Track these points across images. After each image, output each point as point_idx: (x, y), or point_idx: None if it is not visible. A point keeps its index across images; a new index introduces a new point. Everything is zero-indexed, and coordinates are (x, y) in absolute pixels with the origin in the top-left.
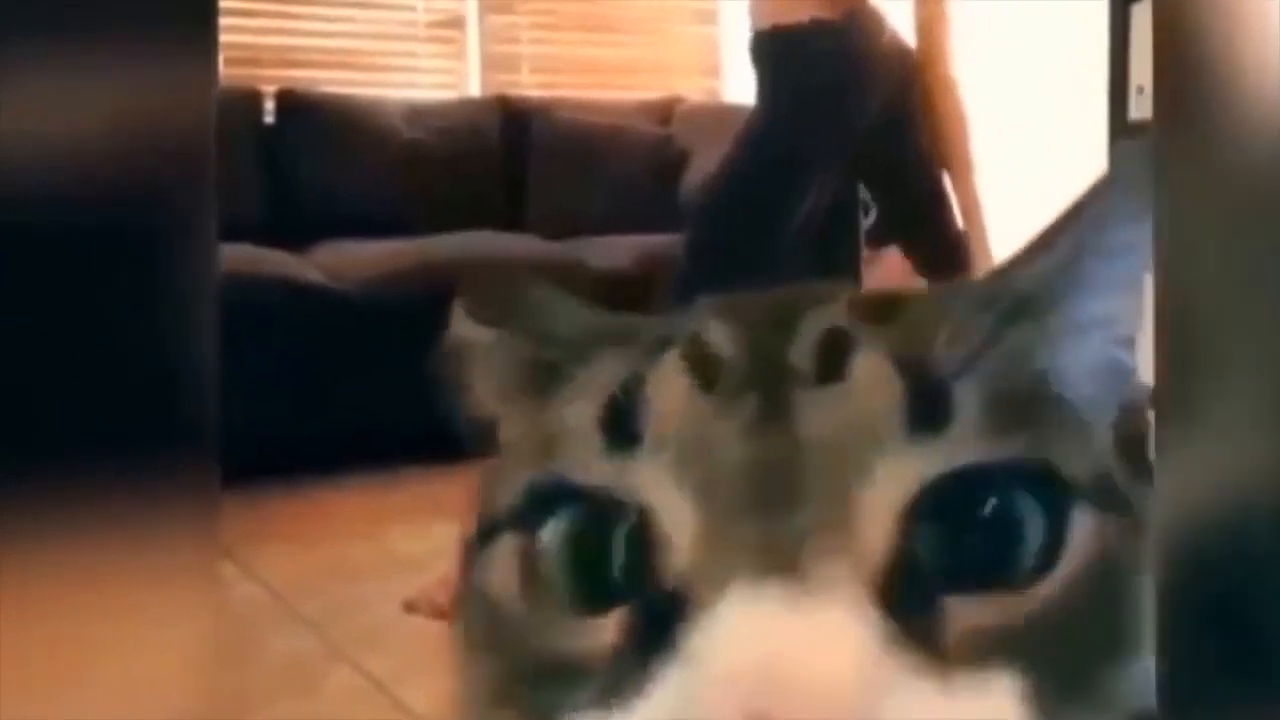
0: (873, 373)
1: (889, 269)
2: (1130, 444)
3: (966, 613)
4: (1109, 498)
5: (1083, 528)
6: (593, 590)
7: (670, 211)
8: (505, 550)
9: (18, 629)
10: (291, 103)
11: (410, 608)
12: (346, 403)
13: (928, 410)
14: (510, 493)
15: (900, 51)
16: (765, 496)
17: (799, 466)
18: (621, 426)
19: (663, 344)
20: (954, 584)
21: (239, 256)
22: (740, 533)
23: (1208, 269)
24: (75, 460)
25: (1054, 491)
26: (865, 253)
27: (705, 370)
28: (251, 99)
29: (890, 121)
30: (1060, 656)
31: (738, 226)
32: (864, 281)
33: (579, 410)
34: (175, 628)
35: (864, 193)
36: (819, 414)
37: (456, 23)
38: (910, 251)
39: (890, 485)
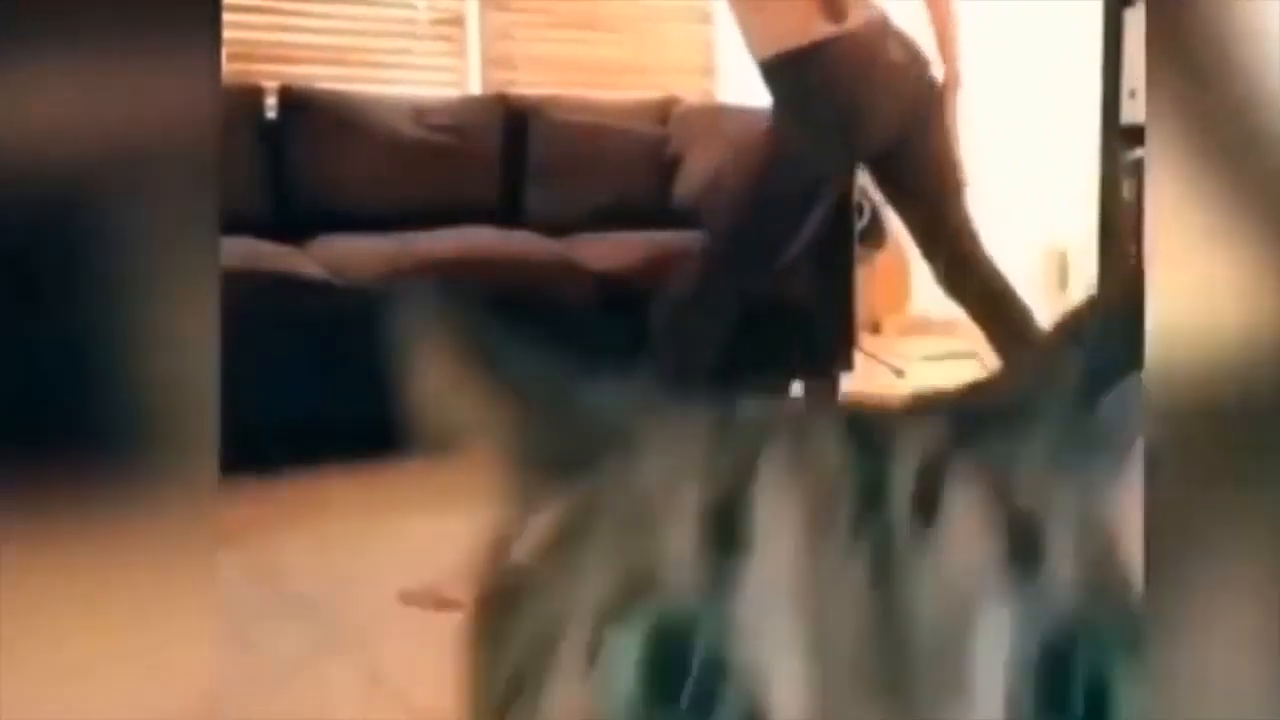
0: (970, 514)
1: (882, 269)
2: None
3: None
4: None
5: None
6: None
7: (666, 210)
8: (568, 691)
9: (18, 620)
10: (293, 99)
11: (408, 599)
12: (346, 396)
13: (1022, 553)
14: (587, 591)
15: (910, 57)
16: (882, 676)
17: (908, 629)
18: (723, 537)
19: (746, 439)
20: None
21: (240, 251)
22: (857, 703)
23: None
24: (75, 453)
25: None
26: (859, 251)
27: (820, 497)
28: (253, 94)
29: (905, 128)
30: None
31: (759, 242)
32: (857, 280)
33: (672, 513)
34: (172, 616)
35: (858, 194)
36: (923, 569)
37: (457, 21)
38: (926, 255)
39: (995, 638)
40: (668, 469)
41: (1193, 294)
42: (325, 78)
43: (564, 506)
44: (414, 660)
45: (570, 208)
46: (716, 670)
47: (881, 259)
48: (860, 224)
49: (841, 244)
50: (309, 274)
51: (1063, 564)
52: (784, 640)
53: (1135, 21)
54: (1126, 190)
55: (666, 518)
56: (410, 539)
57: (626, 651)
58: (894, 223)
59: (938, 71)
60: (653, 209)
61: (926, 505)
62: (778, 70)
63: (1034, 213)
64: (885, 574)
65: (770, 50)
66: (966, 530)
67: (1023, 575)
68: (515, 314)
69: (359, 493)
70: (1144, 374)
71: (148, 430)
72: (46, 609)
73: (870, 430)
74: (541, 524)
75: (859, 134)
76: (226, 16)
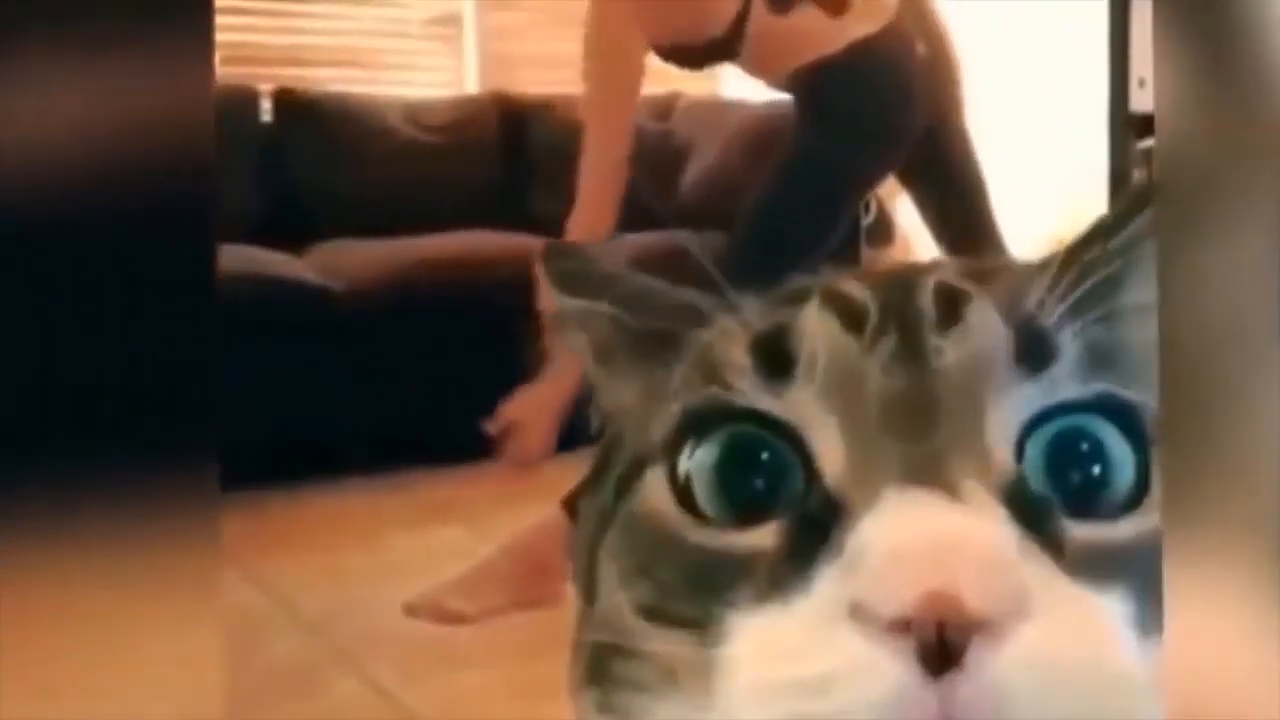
0: (985, 320)
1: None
2: None
3: (1076, 531)
4: None
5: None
6: (746, 503)
7: (670, 208)
8: (656, 479)
9: (20, 635)
10: (288, 101)
11: (411, 611)
12: (345, 404)
13: (1032, 352)
14: (659, 429)
15: (940, 54)
16: (906, 421)
17: (932, 396)
18: (776, 358)
19: (799, 297)
20: (1061, 507)
21: (236, 256)
22: (887, 450)
23: (1202, 279)
24: (74, 465)
25: (1141, 431)
26: (865, 251)
27: (850, 314)
28: (248, 98)
29: (932, 124)
30: (1155, 586)
31: (785, 247)
32: None
33: (732, 347)
34: (177, 633)
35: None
36: (946, 352)
37: (454, 20)
38: (950, 252)
39: (1007, 413)
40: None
41: (1204, 282)
42: (323, 80)
43: (648, 371)
44: (418, 673)
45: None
46: (767, 455)
47: (888, 257)
48: (866, 222)
49: (848, 243)
50: (306, 279)
51: (1071, 364)
52: (822, 414)
53: (1142, 9)
54: (1135, 179)
55: (729, 348)
56: (413, 550)
57: (704, 457)
58: (901, 221)
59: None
60: (656, 207)
61: (950, 304)
62: (810, 75)
63: (1042, 202)
64: (913, 355)
65: (793, 64)
66: (985, 321)
67: (1029, 365)
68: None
69: (360, 505)
70: (1160, 350)
71: (144, 444)
72: (45, 624)
73: (902, 271)
74: (632, 388)
75: (892, 139)
76: (220, 19)
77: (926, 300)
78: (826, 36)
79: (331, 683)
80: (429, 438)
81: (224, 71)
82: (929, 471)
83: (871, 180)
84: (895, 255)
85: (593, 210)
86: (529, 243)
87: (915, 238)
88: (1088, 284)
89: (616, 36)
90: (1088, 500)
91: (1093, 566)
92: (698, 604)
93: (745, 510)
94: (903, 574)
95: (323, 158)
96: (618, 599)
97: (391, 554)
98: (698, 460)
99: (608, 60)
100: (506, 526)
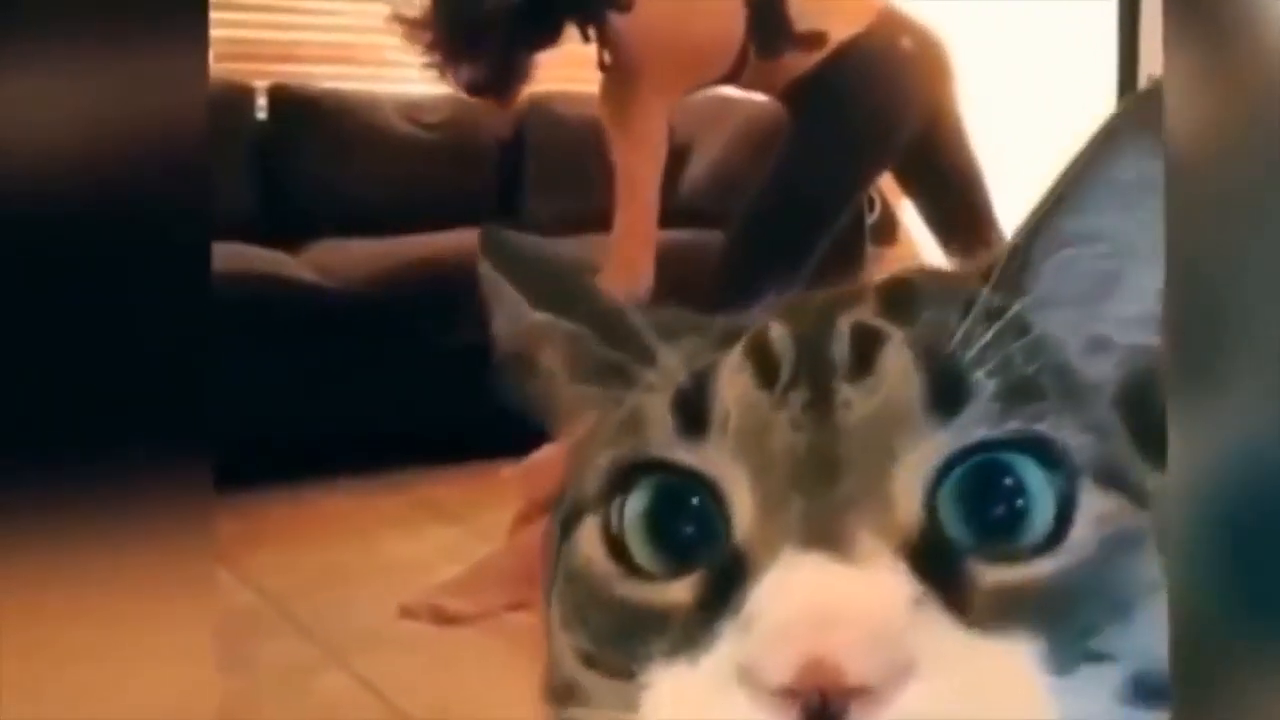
0: (898, 366)
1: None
2: (1132, 410)
3: (988, 575)
4: (1114, 478)
5: (1090, 505)
6: (670, 553)
7: (671, 207)
8: (590, 529)
9: (14, 635)
10: (284, 98)
11: (408, 613)
12: (339, 404)
13: (945, 396)
14: (593, 479)
15: (921, 44)
16: (811, 477)
17: (839, 449)
18: (692, 414)
19: (727, 339)
20: (975, 551)
21: (230, 255)
22: (790, 506)
23: (1216, 241)
24: (67, 465)
25: (1059, 467)
26: (869, 249)
27: (764, 367)
28: (243, 94)
29: (926, 121)
30: (1070, 622)
31: (785, 247)
32: (868, 277)
33: (655, 400)
34: (170, 631)
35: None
36: (855, 404)
37: None
38: (948, 251)
39: (915, 462)
40: (660, 374)
41: (1212, 284)
42: (319, 76)
43: (596, 415)
44: (412, 674)
45: (571, 206)
46: (696, 501)
47: (892, 255)
48: (871, 219)
49: (852, 240)
50: (301, 278)
51: (987, 403)
52: (735, 469)
53: (1152, 7)
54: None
55: (652, 410)
56: (408, 552)
57: (636, 503)
58: (905, 218)
59: (949, 55)
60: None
61: (865, 349)
62: (796, 91)
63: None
64: (822, 409)
65: (785, 80)
66: (898, 367)
67: (942, 410)
68: None
69: (353, 505)
70: (1166, 356)
71: (137, 442)
72: (39, 624)
73: (834, 308)
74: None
75: (887, 137)
76: (215, 15)
77: (841, 347)
78: (813, 56)
79: (323, 683)
80: (423, 437)
81: (219, 68)
82: (829, 529)
83: (865, 179)
84: (899, 253)
85: (629, 271)
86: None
87: (919, 235)
88: (1004, 319)
89: (642, 112)
90: (1006, 536)
91: (1004, 610)
92: (625, 655)
93: (677, 558)
94: (787, 642)
95: (319, 155)
96: (562, 641)
97: (384, 554)
98: (630, 508)
99: (635, 135)
100: (502, 527)
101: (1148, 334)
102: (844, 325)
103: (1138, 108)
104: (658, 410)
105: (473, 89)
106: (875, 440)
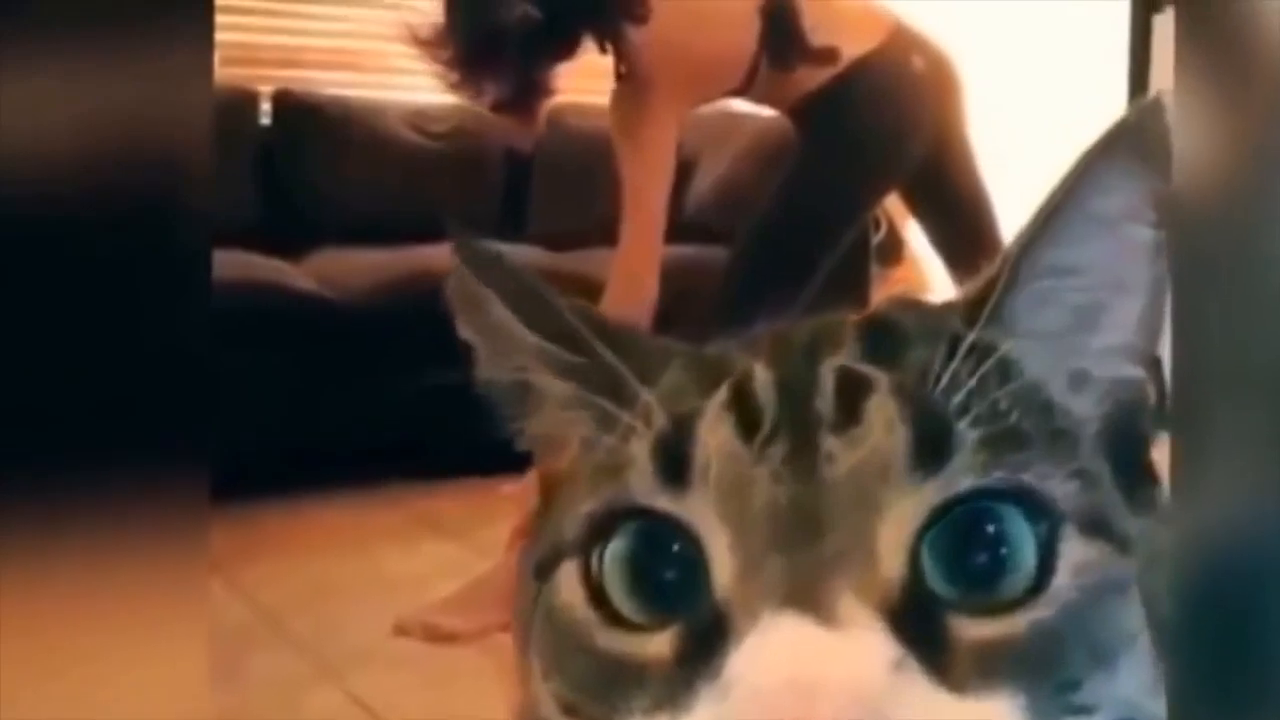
0: (883, 419)
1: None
2: (1116, 448)
3: (969, 631)
4: (1098, 526)
5: (1072, 554)
6: (650, 601)
7: (676, 222)
8: (570, 574)
9: (9, 642)
10: (289, 104)
11: (402, 630)
12: (339, 415)
13: (931, 448)
14: (573, 525)
15: (931, 64)
16: (792, 534)
17: (822, 504)
18: (673, 463)
19: (710, 376)
20: (957, 605)
21: (231, 262)
22: (771, 565)
23: (1220, 293)
24: (63, 474)
25: (1043, 516)
26: (875, 269)
27: (746, 418)
28: (247, 100)
29: (935, 141)
30: (1052, 676)
31: (790, 264)
32: (873, 297)
33: (636, 445)
34: (164, 643)
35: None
36: (839, 456)
37: None
38: (955, 273)
39: (899, 517)
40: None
41: (1218, 301)
42: (324, 83)
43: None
44: (404, 692)
45: (576, 219)
46: (677, 548)
47: (898, 275)
48: (876, 239)
49: (858, 260)
50: (302, 288)
51: (971, 454)
52: (716, 523)
53: (1163, 27)
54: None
55: (634, 455)
56: (405, 567)
57: (617, 549)
58: (910, 238)
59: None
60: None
61: (850, 397)
62: (806, 107)
63: None
64: (804, 463)
65: (795, 95)
66: (884, 419)
67: (927, 464)
68: None
69: (350, 518)
70: (1170, 375)
71: (136, 452)
72: (34, 633)
73: (819, 348)
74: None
75: (895, 157)
76: (220, 19)
77: (826, 397)
78: (825, 72)
79: (317, 697)
80: (423, 451)
81: (223, 73)
82: (810, 590)
83: (872, 198)
84: (904, 273)
85: (634, 285)
86: (531, 253)
87: (925, 256)
88: (988, 363)
89: (653, 123)
90: (987, 587)
91: (985, 668)
92: (606, 706)
93: (658, 606)
94: (765, 712)
95: (322, 162)
96: (541, 690)
97: (379, 569)
98: (610, 554)
99: (645, 147)
100: (500, 543)
101: (1128, 366)
102: (828, 371)
103: (1117, 137)
104: (639, 455)
105: (496, 107)
106: (859, 494)
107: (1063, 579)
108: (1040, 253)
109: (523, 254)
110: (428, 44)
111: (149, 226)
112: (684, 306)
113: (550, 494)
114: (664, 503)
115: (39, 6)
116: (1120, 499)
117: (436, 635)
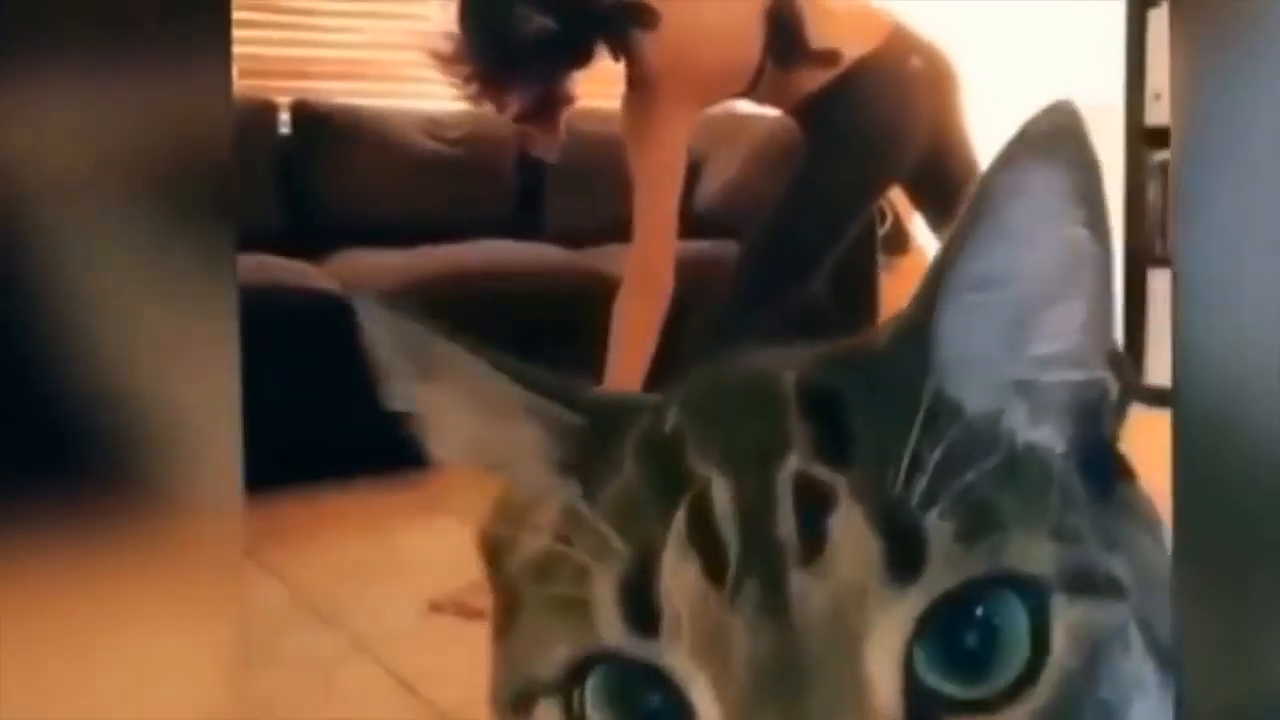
0: (851, 539)
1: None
2: (1088, 460)
3: None
4: (1085, 583)
5: (1064, 619)
6: None
7: (686, 219)
8: (551, 712)
9: (44, 630)
10: (306, 113)
11: (436, 608)
12: (363, 410)
13: (905, 558)
14: (546, 665)
15: (929, 62)
16: (778, 685)
17: (803, 651)
18: (642, 610)
19: (665, 493)
20: (958, 704)
21: (256, 266)
22: (761, 717)
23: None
24: (95, 471)
25: (1027, 592)
26: (881, 258)
27: (711, 557)
28: (266, 110)
29: (934, 137)
30: None
31: (797, 257)
32: (880, 287)
33: (599, 585)
34: (200, 627)
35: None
36: (811, 593)
37: None
38: None
39: (886, 636)
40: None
41: (1222, 295)
42: (341, 92)
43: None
44: (441, 668)
45: (590, 218)
46: (657, 700)
47: (904, 265)
48: (882, 230)
49: (864, 251)
50: (325, 288)
51: (946, 548)
52: (695, 672)
53: (1159, 22)
54: (1152, 193)
55: (597, 583)
56: (436, 549)
57: (598, 693)
58: (917, 229)
59: (957, 73)
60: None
61: (812, 515)
62: (809, 107)
63: None
64: (777, 606)
65: (798, 95)
66: (851, 536)
67: (908, 573)
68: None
69: (382, 505)
70: (1176, 390)
71: (170, 448)
72: (70, 624)
73: (760, 442)
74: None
75: (895, 156)
76: (238, 32)
77: (788, 520)
78: (827, 73)
79: (350, 677)
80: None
81: (242, 84)
82: None
83: (874, 192)
84: (911, 262)
85: (649, 282)
86: (546, 254)
87: (930, 246)
88: (948, 436)
89: (664, 125)
90: (984, 676)
91: None
92: None
93: None
94: None
95: (341, 169)
96: None
97: (404, 552)
98: (591, 696)
99: (656, 149)
100: None
101: (1078, 371)
102: (786, 479)
103: (1018, 143)
104: (603, 597)
105: (520, 118)
106: (839, 631)
107: (1059, 650)
108: (962, 268)
109: (541, 252)
110: (449, 60)
111: (175, 232)
112: (698, 297)
113: (506, 608)
114: (638, 649)
115: (61, 25)
116: (1099, 540)
117: (469, 612)
